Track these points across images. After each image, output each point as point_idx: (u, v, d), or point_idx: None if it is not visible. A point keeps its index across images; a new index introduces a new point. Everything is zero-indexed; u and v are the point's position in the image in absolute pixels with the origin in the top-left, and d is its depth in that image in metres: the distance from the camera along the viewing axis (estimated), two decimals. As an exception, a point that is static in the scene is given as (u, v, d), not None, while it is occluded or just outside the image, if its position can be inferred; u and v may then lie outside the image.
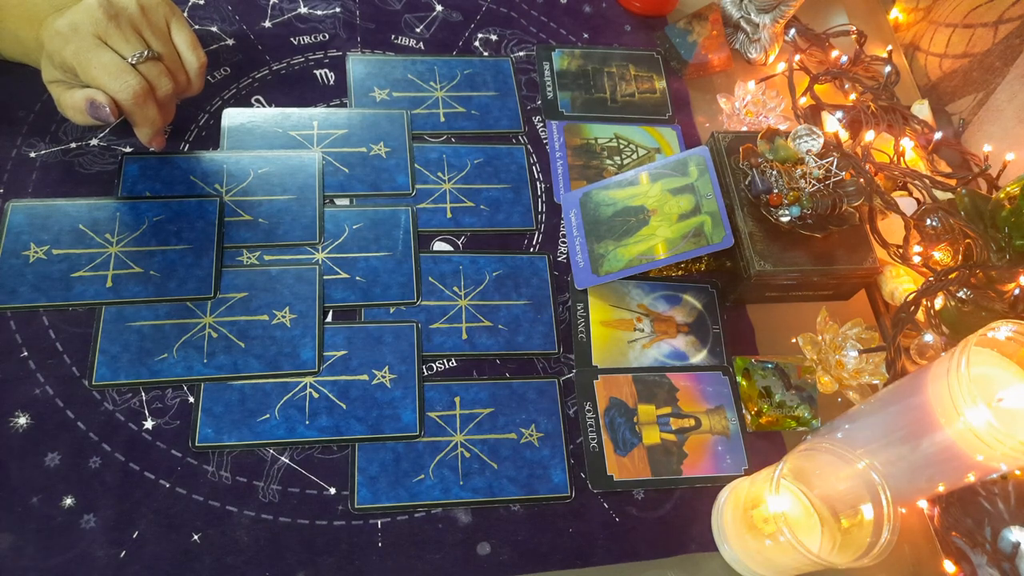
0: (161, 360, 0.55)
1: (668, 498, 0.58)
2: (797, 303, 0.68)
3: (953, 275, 0.61)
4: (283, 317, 0.58)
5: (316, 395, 0.56)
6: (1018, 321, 0.48)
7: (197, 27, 0.70)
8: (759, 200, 0.63)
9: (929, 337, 0.61)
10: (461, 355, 0.60)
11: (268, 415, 0.55)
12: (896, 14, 0.91)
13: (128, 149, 0.63)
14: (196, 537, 0.51)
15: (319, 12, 0.74)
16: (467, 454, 0.56)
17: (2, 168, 0.61)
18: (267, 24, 0.73)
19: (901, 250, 0.65)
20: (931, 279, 0.63)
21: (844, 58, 0.80)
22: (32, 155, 0.62)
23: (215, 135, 0.66)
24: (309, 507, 0.53)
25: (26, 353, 0.54)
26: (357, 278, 0.61)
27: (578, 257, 0.65)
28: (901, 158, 0.72)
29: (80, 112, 0.55)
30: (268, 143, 0.66)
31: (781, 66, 0.80)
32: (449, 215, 0.66)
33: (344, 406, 0.56)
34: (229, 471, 0.53)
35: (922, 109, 0.77)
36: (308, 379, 0.57)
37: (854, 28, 0.81)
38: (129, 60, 0.54)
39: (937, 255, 0.65)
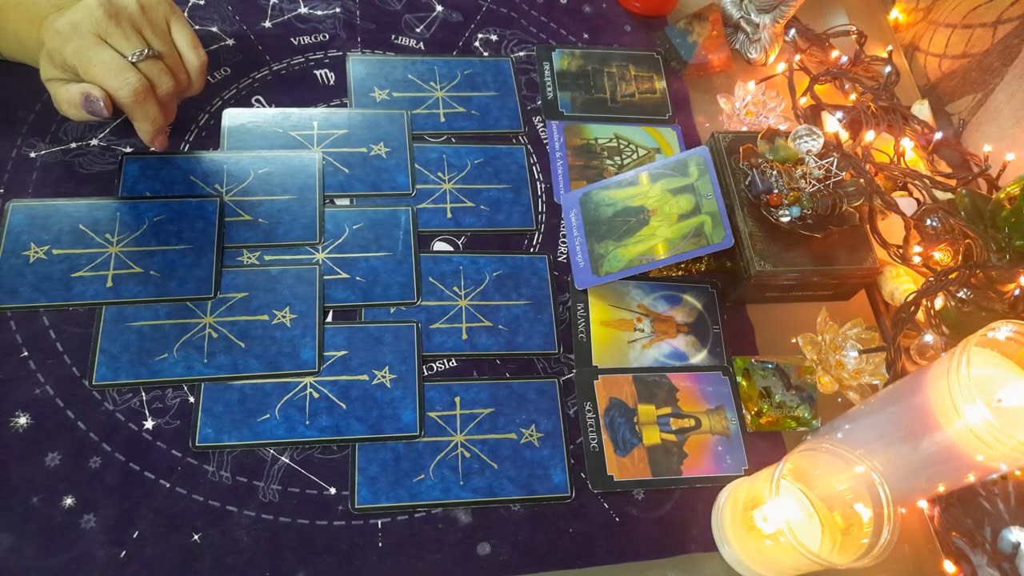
0: (161, 360, 0.55)
1: (668, 498, 0.58)
2: (797, 303, 0.68)
3: (953, 275, 0.61)
4: (283, 317, 0.58)
5: (316, 395, 0.56)
6: (1018, 321, 0.49)
7: (197, 27, 0.70)
8: (759, 200, 0.63)
9: (929, 337, 0.61)
10: (461, 355, 0.60)
11: (268, 415, 0.55)
12: (896, 14, 0.91)
13: (128, 149, 0.63)
14: (196, 537, 0.51)
15: (319, 12, 0.74)
16: (467, 454, 0.56)
17: (2, 168, 0.61)
18: (267, 24, 0.73)
19: (901, 250, 0.65)
20: (931, 279, 0.63)
21: (844, 58, 0.80)
22: (32, 155, 0.62)
23: (215, 135, 0.66)
24: (309, 507, 0.53)
25: (26, 353, 0.54)
26: (357, 278, 0.61)
27: (578, 257, 0.65)
28: (901, 158, 0.72)
29: (75, 106, 0.55)
30: (268, 143, 0.66)
31: (781, 66, 0.80)
32: (449, 215, 0.66)
33: (344, 406, 0.56)
34: (229, 471, 0.53)
35: (922, 109, 0.77)
36: (308, 379, 0.57)
37: (854, 28, 0.81)
38: (129, 58, 0.54)
39: (937, 255, 0.65)
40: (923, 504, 0.60)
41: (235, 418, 0.55)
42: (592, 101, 0.75)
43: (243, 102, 0.68)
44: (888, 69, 0.78)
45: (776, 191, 0.63)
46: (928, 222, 0.65)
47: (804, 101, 0.77)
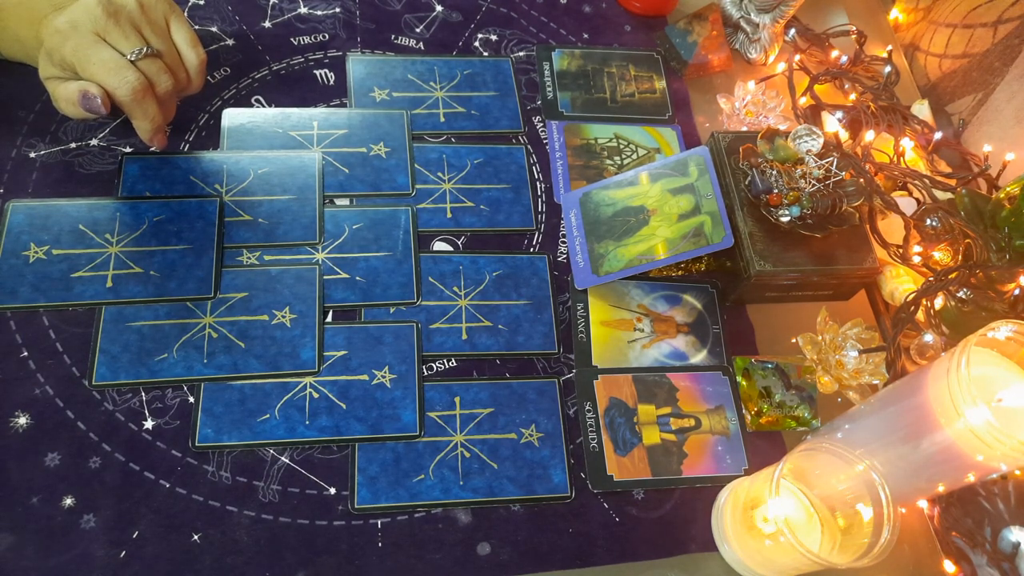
0: (161, 360, 0.55)
1: (668, 498, 0.58)
2: (797, 303, 0.68)
3: (953, 275, 0.61)
4: (283, 317, 0.58)
5: (316, 395, 0.56)
6: (1018, 321, 0.49)
7: (197, 27, 0.70)
8: (759, 200, 0.63)
9: (929, 337, 0.61)
10: (461, 355, 0.60)
11: (268, 415, 0.55)
12: (896, 14, 0.91)
13: (128, 149, 0.63)
14: (196, 537, 0.51)
15: (319, 12, 0.74)
16: (467, 454, 0.56)
17: (2, 168, 0.61)
18: (267, 24, 0.73)
19: (901, 250, 0.65)
20: (931, 279, 0.63)
21: (844, 58, 0.80)
22: (32, 155, 0.62)
23: (215, 135, 0.66)
24: (309, 507, 0.53)
25: (26, 353, 0.54)
26: (357, 278, 0.61)
27: (578, 257, 0.65)
28: (901, 158, 0.72)
29: (73, 104, 0.55)
30: (268, 143, 0.66)
31: (781, 66, 0.80)
32: (449, 215, 0.66)
33: (344, 406, 0.56)
34: (229, 471, 0.53)
35: (922, 109, 0.77)
36: (308, 379, 0.57)
37: (854, 28, 0.81)
38: (128, 57, 0.54)
39: (937, 255, 0.65)
40: (923, 504, 0.60)
41: (235, 418, 0.55)
42: (592, 101, 0.75)
43: (243, 102, 0.68)
44: (888, 69, 0.78)
45: (776, 191, 0.63)
46: (928, 222, 0.65)
47: (804, 101, 0.77)
